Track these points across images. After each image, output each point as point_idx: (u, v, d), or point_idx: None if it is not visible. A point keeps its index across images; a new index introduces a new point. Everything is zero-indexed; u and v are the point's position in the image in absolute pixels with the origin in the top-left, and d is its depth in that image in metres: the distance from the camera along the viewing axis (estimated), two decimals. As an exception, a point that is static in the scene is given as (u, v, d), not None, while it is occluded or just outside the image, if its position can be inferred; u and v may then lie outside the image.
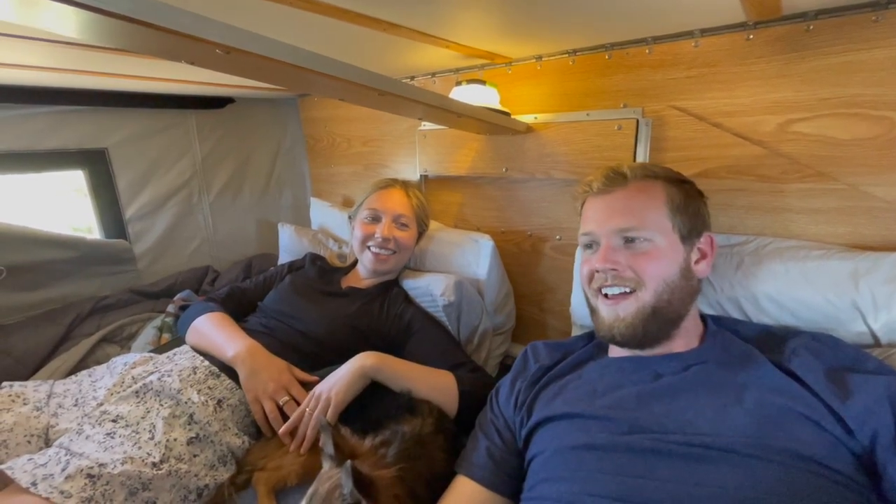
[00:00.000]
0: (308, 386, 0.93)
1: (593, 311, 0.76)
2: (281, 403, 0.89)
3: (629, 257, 0.70)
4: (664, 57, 0.99)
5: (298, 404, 0.89)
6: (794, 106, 0.86)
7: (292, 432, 0.86)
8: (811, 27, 0.82)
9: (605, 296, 0.72)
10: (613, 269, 0.70)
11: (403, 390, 0.89)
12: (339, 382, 0.87)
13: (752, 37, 0.88)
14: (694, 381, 0.66)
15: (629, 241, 0.70)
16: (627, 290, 0.70)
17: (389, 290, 1.21)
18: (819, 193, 0.87)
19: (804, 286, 0.77)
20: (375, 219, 1.21)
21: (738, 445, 0.55)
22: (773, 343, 0.71)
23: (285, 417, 0.88)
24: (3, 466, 0.67)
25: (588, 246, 0.77)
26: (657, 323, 0.69)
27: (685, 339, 0.72)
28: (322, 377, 0.93)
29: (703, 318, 0.77)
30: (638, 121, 1.02)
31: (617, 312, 0.70)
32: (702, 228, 0.74)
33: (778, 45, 0.86)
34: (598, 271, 0.72)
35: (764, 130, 0.90)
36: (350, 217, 1.32)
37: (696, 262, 0.73)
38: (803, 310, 0.78)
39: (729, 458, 0.55)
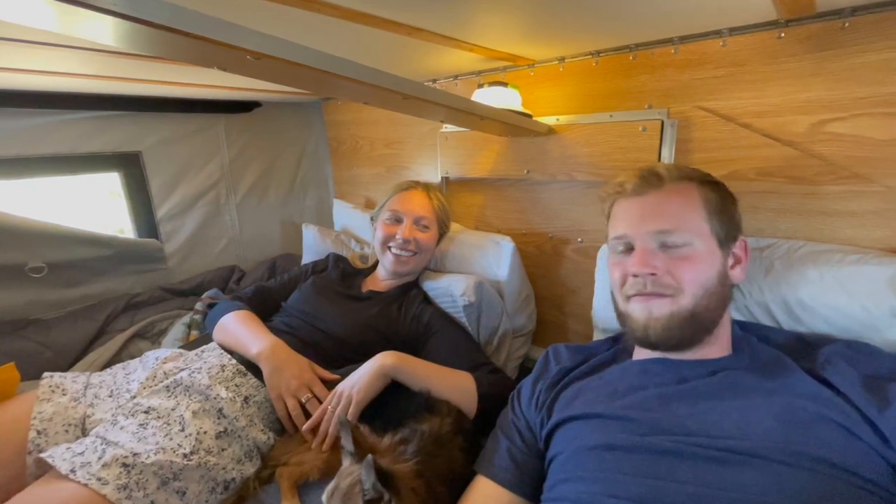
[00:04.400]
0: (330, 384, 0.94)
1: (624, 315, 0.72)
2: (303, 401, 0.91)
3: (667, 262, 0.66)
4: (691, 57, 0.97)
5: (320, 402, 0.91)
6: (829, 105, 0.83)
7: (314, 429, 0.88)
8: (847, 24, 0.79)
9: (640, 294, 0.68)
10: (652, 274, 0.66)
11: (423, 390, 0.90)
12: (359, 381, 0.89)
13: (783, 35, 0.86)
14: (720, 385, 0.64)
15: (667, 244, 0.67)
16: (663, 294, 0.66)
17: (408, 291, 1.22)
18: (855, 196, 0.84)
19: (839, 292, 0.74)
20: (397, 220, 1.23)
21: (764, 450, 0.54)
22: (804, 351, 0.68)
23: (308, 414, 0.90)
24: (44, 455, 0.71)
25: (621, 250, 0.73)
26: (693, 328, 0.66)
27: (717, 345, 0.70)
28: (344, 376, 0.94)
29: (731, 323, 0.76)
30: (663, 122, 1.00)
31: (651, 311, 0.67)
32: (736, 232, 0.72)
33: (811, 43, 0.83)
34: (634, 275, 0.68)
35: (796, 131, 0.87)
36: (372, 218, 1.34)
37: (732, 267, 0.70)
38: (838, 317, 0.75)
39: (754, 462, 0.53)
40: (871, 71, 0.79)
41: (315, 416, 0.88)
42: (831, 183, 0.85)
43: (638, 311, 0.68)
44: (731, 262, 0.71)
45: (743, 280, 0.73)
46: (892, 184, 0.80)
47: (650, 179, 0.70)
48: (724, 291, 0.69)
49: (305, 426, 0.88)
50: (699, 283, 0.65)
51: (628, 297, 0.70)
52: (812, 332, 0.77)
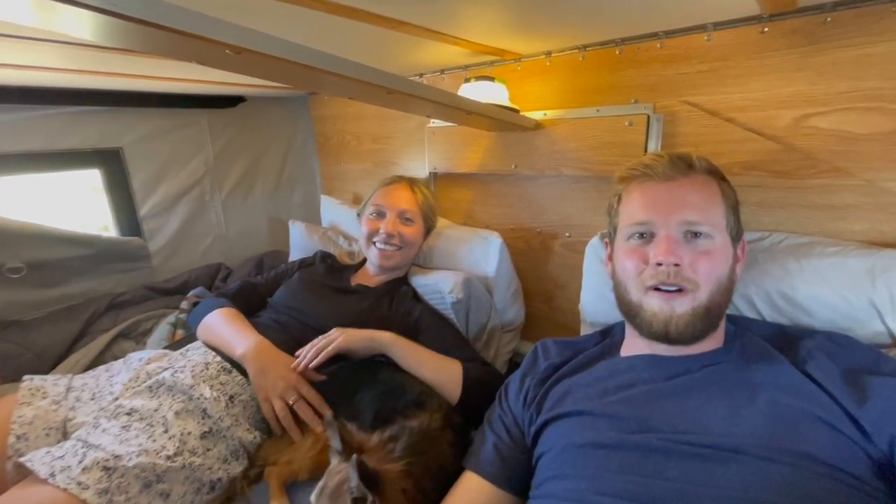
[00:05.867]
0: (316, 385, 0.94)
1: (638, 307, 0.69)
2: (291, 403, 0.89)
3: (691, 254, 0.65)
4: (676, 51, 0.97)
5: (308, 403, 0.90)
6: (810, 100, 0.84)
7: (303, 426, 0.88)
8: (828, 19, 0.80)
9: (657, 289, 0.67)
10: (677, 265, 0.64)
11: (410, 370, 0.94)
12: (352, 334, 0.98)
13: (766, 30, 0.86)
14: (707, 380, 0.65)
15: (694, 235, 0.66)
16: (682, 288, 0.65)
17: (398, 287, 1.21)
18: (835, 189, 0.85)
19: (819, 284, 0.76)
20: (380, 215, 1.23)
21: (748, 446, 0.55)
22: (787, 344, 0.69)
23: (298, 414, 0.90)
24: (22, 459, 0.69)
25: (639, 237, 0.70)
26: (708, 322, 0.66)
27: (713, 340, 0.70)
28: (329, 376, 0.94)
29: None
30: (649, 116, 1.00)
31: (674, 308, 0.65)
32: (742, 231, 0.73)
33: (794, 38, 0.84)
34: (658, 264, 0.66)
35: (778, 125, 0.88)
36: (358, 215, 1.33)
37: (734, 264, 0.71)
38: (819, 308, 0.76)
39: (739, 458, 0.54)
40: (851, 66, 0.80)
41: (304, 417, 0.88)
42: (813, 177, 0.87)
43: (658, 306, 0.66)
44: (735, 260, 0.71)
45: (739, 277, 0.73)
46: (872, 177, 0.81)
47: (680, 165, 0.69)
48: (731, 287, 0.69)
49: (292, 425, 0.88)
50: (715, 277, 0.65)
51: (647, 288, 0.67)
52: (794, 325, 0.78)
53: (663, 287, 0.66)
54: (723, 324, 0.71)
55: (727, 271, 0.67)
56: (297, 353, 0.97)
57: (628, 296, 0.71)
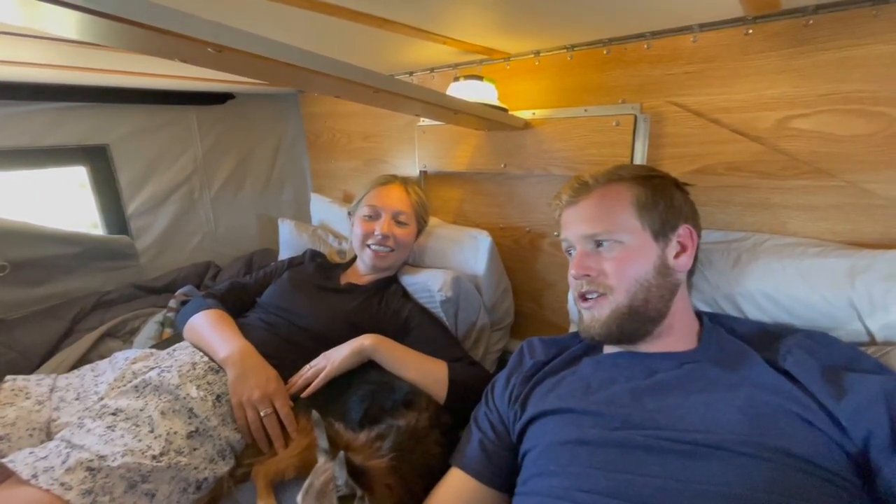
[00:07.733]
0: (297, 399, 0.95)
1: (579, 315, 0.77)
2: (262, 414, 0.88)
3: (600, 261, 0.72)
4: (663, 52, 0.98)
5: (280, 419, 0.90)
6: (793, 102, 0.86)
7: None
8: (810, 22, 0.81)
9: (584, 298, 0.74)
10: (587, 275, 0.72)
11: (395, 372, 0.95)
12: (337, 357, 0.97)
13: (751, 32, 0.87)
14: (687, 378, 0.66)
15: (599, 244, 0.72)
16: (598, 293, 0.72)
17: (388, 286, 1.21)
18: (817, 190, 0.86)
19: (800, 284, 0.77)
20: (375, 216, 1.22)
21: (728, 442, 0.55)
22: (768, 341, 0.70)
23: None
24: (4, 460, 0.68)
25: (569, 253, 0.79)
26: (635, 322, 0.70)
27: (678, 336, 0.72)
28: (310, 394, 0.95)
29: (699, 315, 0.77)
30: (636, 117, 1.01)
31: (593, 313, 0.73)
32: (677, 221, 0.73)
33: (777, 40, 0.85)
34: (575, 278, 0.74)
35: (762, 126, 0.89)
36: (349, 213, 1.33)
37: (676, 256, 0.72)
38: (800, 307, 0.77)
39: (719, 454, 0.55)
40: (833, 68, 0.81)
41: (272, 434, 0.88)
42: (795, 178, 0.88)
43: (586, 314, 0.74)
44: (674, 251, 0.72)
45: (690, 267, 0.74)
46: (853, 179, 0.83)
47: (580, 188, 0.76)
48: (666, 282, 0.71)
49: (261, 438, 0.88)
50: (632, 278, 0.70)
51: (577, 300, 0.76)
52: (775, 323, 0.79)
53: (587, 295, 0.73)
54: (682, 320, 0.73)
55: (649, 268, 0.70)
56: (288, 382, 0.97)
57: (576, 305, 0.78)
